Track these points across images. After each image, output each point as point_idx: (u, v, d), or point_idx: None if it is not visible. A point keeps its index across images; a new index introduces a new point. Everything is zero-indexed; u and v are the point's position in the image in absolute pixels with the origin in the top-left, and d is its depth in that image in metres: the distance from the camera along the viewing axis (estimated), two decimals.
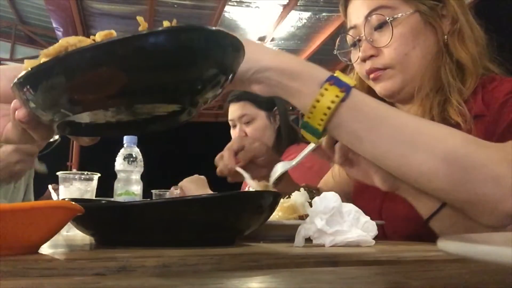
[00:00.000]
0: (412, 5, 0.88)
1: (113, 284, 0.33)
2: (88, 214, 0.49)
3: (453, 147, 0.57)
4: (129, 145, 1.13)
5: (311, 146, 0.74)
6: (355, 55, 0.93)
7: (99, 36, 0.42)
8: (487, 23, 0.90)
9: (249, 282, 0.35)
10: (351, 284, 0.34)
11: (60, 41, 0.43)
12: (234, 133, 1.82)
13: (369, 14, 0.89)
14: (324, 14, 4.74)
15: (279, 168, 0.86)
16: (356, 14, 0.92)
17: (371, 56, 0.89)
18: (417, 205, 0.67)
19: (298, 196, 0.78)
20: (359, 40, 0.91)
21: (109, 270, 0.37)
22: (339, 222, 0.58)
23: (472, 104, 0.83)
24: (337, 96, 0.57)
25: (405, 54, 0.88)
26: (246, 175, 0.96)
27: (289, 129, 1.80)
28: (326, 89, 0.57)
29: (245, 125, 1.78)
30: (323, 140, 0.69)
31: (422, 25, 0.88)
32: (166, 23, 0.40)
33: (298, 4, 4.48)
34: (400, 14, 0.87)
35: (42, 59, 0.41)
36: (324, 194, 0.60)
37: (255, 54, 0.59)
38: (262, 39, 5.27)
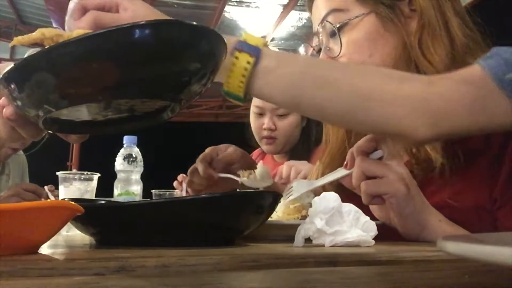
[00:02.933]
0: (367, 5, 0.78)
1: (113, 284, 0.33)
2: (88, 214, 0.49)
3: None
4: (129, 145, 1.13)
5: (342, 172, 0.71)
6: None
7: (77, 34, 0.42)
8: (487, 23, 0.79)
9: (249, 282, 0.35)
10: (351, 284, 0.34)
11: (35, 31, 0.43)
12: (257, 122, 1.62)
13: (323, 20, 0.80)
14: None
15: (297, 188, 0.78)
16: (314, 20, 0.84)
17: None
18: None
19: (304, 197, 0.78)
20: (319, 50, 0.83)
21: (109, 270, 0.37)
22: (338, 222, 0.58)
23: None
24: (248, 62, 0.56)
25: (368, 56, 0.78)
26: (233, 177, 0.88)
27: (316, 129, 1.63)
28: (236, 58, 0.57)
29: (278, 117, 1.60)
30: (354, 173, 0.67)
31: (380, 28, 0.77)
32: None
33: (298, 4, 4.48)
34: (353, 17, 0.77)
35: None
36: (324, 194, 0.60)
37: None
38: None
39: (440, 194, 0.73)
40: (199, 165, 0.92)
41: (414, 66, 0.76)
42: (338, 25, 0.78)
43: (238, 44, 0.58)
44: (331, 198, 0.59)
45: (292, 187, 0.78)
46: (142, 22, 0.38)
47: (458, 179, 0.73)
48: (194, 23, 0.41)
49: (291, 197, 0.77)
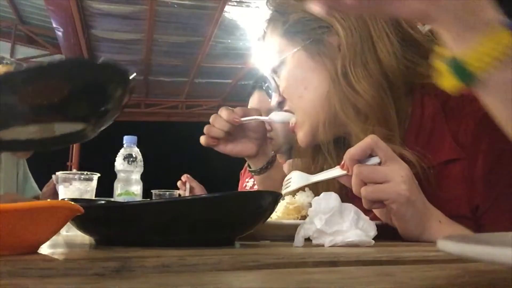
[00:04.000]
0: (296, 43, 0.81)
1: (113, 284, 0.33)
2: (88, 214, 0.49)
3: None
4: (129, 145, 1.13)
5: (338, 172, 0.69)
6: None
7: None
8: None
9: (249, 282, 0.35)
10: (351, 284, 0.34)
11: None
12: None
13: (268, 59, 0.86)
14: None
15: (296, 180, 0.76)
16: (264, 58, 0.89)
17: (279, 104, 0.86)
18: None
19: (304, 197, 0.78)
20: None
21: (108, 270, 0.37)
22: (338, 222, 0.58)
23: (434, 144, 0.73)
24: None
25: (298, 97, 0.82)
26: (258, 117, 0.92)
27: None
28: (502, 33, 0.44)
29: None
30: (353, 181, 0.65)
31: (309, 62, 0.80)
32: None
33: None
34: (283, 56, 0.82)
35: None
36: (324, 194, 0.60)
37: None
38: (262, 39, 5.27)
39: None
40: (222, 110, 0.94)
41: (346, 99, 0.76)
42: (272, 66, 0.83)
43: (503, 20, 0.45)
44: (331, 198, 0.59)
45: (290, 178, 0.78)
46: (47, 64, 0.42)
47: (436, 190, 0.72)
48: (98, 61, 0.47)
49: (289, 189, 0.76)
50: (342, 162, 0.69)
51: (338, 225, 0.58)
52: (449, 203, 0.72)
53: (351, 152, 0.66)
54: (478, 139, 0.71)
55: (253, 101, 1.68)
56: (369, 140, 0.65)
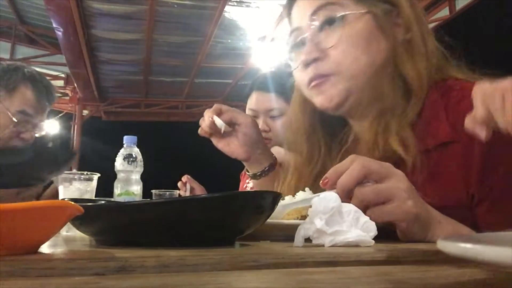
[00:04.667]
0: (364, 5, 0.78)
1: (113, 284, 0.33)
2: (88, 214, 0.49)
3: None
4: (129, 145, 1.13)
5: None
6: (296, 61, 0.83)
7: None
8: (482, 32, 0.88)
9: (249, 282, 0.35)
10: (351, 284, 0.34)
11: None
12: None
13: (315, 12, 0.79)
14: None
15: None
16: (300, 14, 0.83)
17: (315, 60, 0.79)
18: None
19: (303, 197, 0.78)
20: (302, 44, 0.82)
21: (109, 270, 0.37)
22: (338, 222, 0.58)
23: (433, 127, 0.75)
24: None
25: (353, 59, 0.78)
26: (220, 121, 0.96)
27: None
28: None
29: (271, 119, 1.64)
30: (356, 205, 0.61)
31: (374, 29, 0.79)
32: None
33: None
34: (351, 12, 0.77)
35: None
36: (323, 194, 0.60)
37: None
38: (262, 39, 5.28)
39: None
40: (207, 110, 1.00)
41: (398, 74, 0.78)
42: (338, 15, 0.77)
43: None
44: (331, 198, 0.59)
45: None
46: None
47: (433, 177, 0.72)
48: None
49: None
50: (326, 180, 0.65)
51: (338, 225, 0.58)
52: (447, 187, 0.72)
53: (343, 183, 0.63)
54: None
55: (251, 101, 1.69)
56: (359, 167, 0.63)
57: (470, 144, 0.70)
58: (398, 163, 0.72)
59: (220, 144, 1.01)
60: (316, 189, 0.71)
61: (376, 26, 0.79)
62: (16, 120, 1.54)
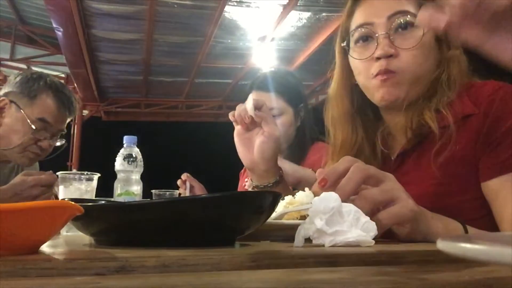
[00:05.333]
0: None
1: (113, 284, 0.33)
2: (88, 214, 0.49)
3: None
4: (129, 145, 1.13)
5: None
6: (364, 53, 0.92)
7: None
8: None
9: (249, 282, 0.35)
10: (351, 284, 0.34)
11: None
12: None
13: (395, 15, 0.89)
14: (324, 14, 4.74)
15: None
16: (376, 12, 0.91)
17: (389, 56, 0.88)
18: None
19: (303, 197, 0.78)
20: (373, 38, 0.91)
21: (109, 270, 0.37)
22: (339, 222, 0.58)
23: (459, 106, 0.86)
24: None
25: (419, 64, 0.89)
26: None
27: (311, 127, 1.71)
28: None
29: None
30: (364, 207, 0.63)
31: (433, 41, 0.90)
32: None
33: (298, 4, 4.48)
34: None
35: None
36: (324, 194, 0.60)
37: None
38: (262, 39, 5.28)
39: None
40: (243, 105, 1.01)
41: (437, 79, 0.89)
42: (415, 23, 0.87)
43: None
44: (331, 198, 0.59)
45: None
46: None
47: (453, 147, 0.82)
48: None
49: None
50: (324, 182, 0.67)
51: (338, 225, 0.58)
52: (458, 154, 0.82)
53: (344, 187, 0.65)
54: (491, 104, 0.82)
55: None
56: (359, 171, 0.66)
57: (484, 115, 0.82)
58: (428, 136, 0.86)
59: (238, 137, 1.02)
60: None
61: (434, 38, 0.90)
62: (34, 128, 1.55)
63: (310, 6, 4.60)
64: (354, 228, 0.58)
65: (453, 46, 0.91)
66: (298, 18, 4.85)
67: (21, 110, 1.56)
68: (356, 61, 0.94)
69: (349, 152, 0.96)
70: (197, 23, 4.93)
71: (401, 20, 0.89)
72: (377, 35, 0.90)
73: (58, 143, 1.68)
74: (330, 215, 0.57)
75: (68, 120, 1.70)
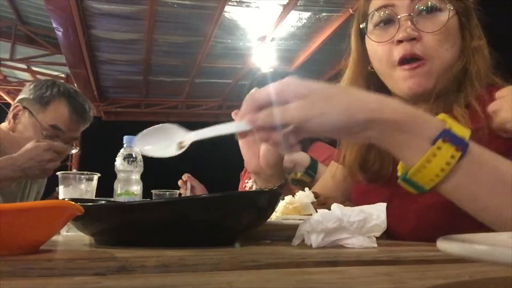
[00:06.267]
0: (455, 5, 0.85)
1: (113, 284, 0.33)
2: (88, 214, 0.49)
3: None
4: (129, 145, 1.13)
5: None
6: (383, 36, 0.85)
7: None
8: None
9: (249, 282, 0.35)
10: (351, 284, 0.34)
11: None
12: None
13: None
14: (324, 14, 4.74)
15: None
16: None
17: (412, 40, 0.82)
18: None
19: (303, 197, 0.78)
20: (394, 20, 0.84)
21: (109, 270, 0.37)
22: (341, 231, 0.57)
23: (479, 113, 0.80)
24: (452, 156, 0.51)
25: (445, 49, 0.83)
26: None
27: None
28: (439, 148, 0.51)
29: None
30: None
31: (458, 28, 0.86)
32: None
33: (298, 4, 4.48)
34: (450, 8, 0.83)
35: None
36: (323, 212, 0.58)
37: (356, 105, 0.52)
38: (262, 39, 5.27)
39: None
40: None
41: (464, 69, 0.85)
42: (450, 6, 0.83)
43: (444, 132, 0.51)
44: (332, 218, 0.57)
45: None
46: None
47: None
48: None
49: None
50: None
51: (340, 234, 0.57)
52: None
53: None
54: None
55: None
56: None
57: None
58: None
59: (242, 140, 0.94)
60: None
61: (459, 26, 0.86)
62: (45, 134, 1.56)
63: (310, 6, 4.60)
64: (357, 235, 0.57)
65: (476, 36, 0.87)
66: (298, 18, 4.85)
67: (34, 117, 1.57)
68: (375, 45, 0.87)
69: (362, 144, 0.91)
70: (197, 23, 4.93)
71: (422, 4, 0.83)
72: (399, 17, 0.83)
73: (73, 151, 1.68)
74: (333, 226, 0.57)
75: (82, 128, 1.70)
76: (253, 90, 0.67)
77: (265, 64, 5.53)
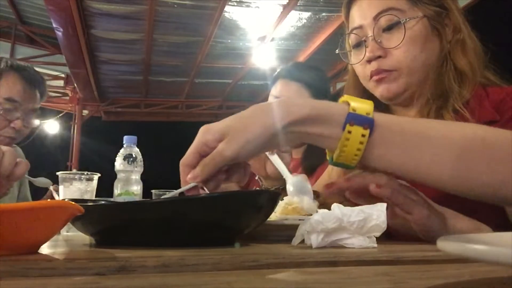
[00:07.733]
0: (420, 9, 0.89)
1: (113, 284, 0.33)
2: (88, 214, 0.49)
3: (472, 134, 0.57)
4: (129, 145, 1.13)
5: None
6: (358, 56, 0.92)
7: None
8: (481, 33, 0.93)
9: (249, 282, 0.35)
10: (351, 284, 0.34)
11: None
12: None
13: (379, 15, 0.89)
14: (324, 14, 4.75)
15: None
16: (363, 14, 0.92)
17: (378, 57, 0.89)
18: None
19: (309, 201, 0.78)
20: (365, 41, 0.91)
21: (109, 270, 0.37)
22: (341, 231, 0.57)
23: (478, 110, 0.84)
24: (363, 135, 0.56)
25: (413, 57, 0.88)
26: None
27: None
28: (349, 132, 0.56)
29: None
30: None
31: (429, 31, 0.89)
32: None
33: (298, 4, 4.49)
34: (411, 17, 0.88)
35: None
36: (324, 212, 0.58)
37: (269, 120, 0.58)
38: (262, 39, 5.28)
39: None
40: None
41: (454, 67, 0.88)
42: (404, 20, 0.87)
43: (349, 116, 0.57)
44: (331, 218, 0.57)
45: None
46: None
47: None
48: None
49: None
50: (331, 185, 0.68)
51: (340, 235, 0.57)
52: None
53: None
54: None
55: (276, 89, 1.63)
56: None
57: (507, 123, 0.80)
58: None
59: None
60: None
61: (430, 27, 0.89)
62: (1, 108, 1.55)
63: (310, 6, 4.60)
64: (357, 235, 0.57)
65: (455, 30, 0.90)
66: (298, 18, 4.85)
67: None
68: (357, 66, 0.95)
69: None
70: (197, 23, 4.93)
71: (384, 22, 0.89)
72: (363, 38, 0.91)
73: (34, 124, 1.66)
74: (332, 228, 0.57)
75: (40, 99, 1.69)
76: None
77: (265, 64, 5.53)
